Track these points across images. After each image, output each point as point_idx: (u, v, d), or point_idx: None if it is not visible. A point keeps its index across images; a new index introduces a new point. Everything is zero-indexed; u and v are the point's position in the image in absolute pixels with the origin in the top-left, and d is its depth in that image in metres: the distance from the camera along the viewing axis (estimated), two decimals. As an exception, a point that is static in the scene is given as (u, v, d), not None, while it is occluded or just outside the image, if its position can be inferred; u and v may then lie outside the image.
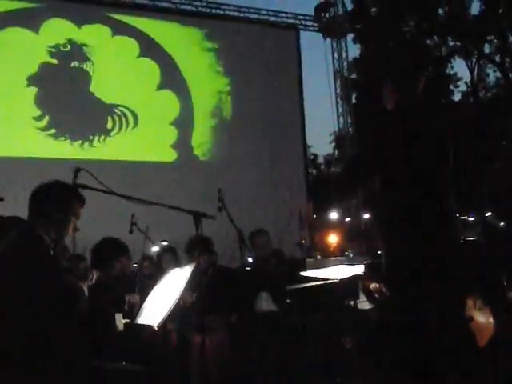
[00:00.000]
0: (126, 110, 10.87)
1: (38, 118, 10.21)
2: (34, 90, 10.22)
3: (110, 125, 10.73)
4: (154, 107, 11.08)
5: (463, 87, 21.39)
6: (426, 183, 2.71)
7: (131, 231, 5.26)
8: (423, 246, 2.63)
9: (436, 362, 2.57)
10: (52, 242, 2.68)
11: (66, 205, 2.77)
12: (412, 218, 2.66)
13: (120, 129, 10.80)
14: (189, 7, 12.00)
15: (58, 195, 2.77)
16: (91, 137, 10.57)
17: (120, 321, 3.67)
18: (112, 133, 10.74)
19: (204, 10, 12.13)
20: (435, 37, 20.55)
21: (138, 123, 10.90)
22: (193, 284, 3.43)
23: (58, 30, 10.57)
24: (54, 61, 10.49)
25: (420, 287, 2.60)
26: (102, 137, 10.66)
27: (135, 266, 5.64)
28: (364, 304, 4.81)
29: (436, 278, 2.60)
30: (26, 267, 2.46)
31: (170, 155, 11.11)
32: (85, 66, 10.71)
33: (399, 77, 2.88)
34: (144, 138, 10.86)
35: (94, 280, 2.97)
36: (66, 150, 10.23)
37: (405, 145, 2.70)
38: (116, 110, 10.82)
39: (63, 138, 10.36)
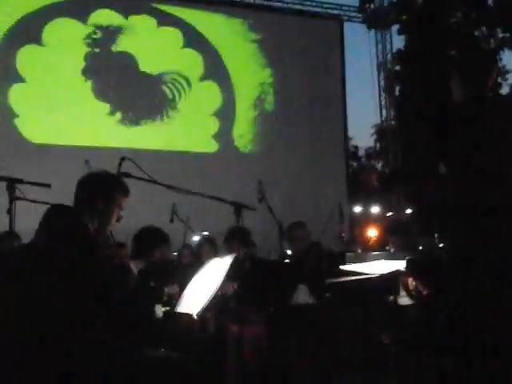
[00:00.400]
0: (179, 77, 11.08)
1: (94, 106, 10.44)
2: (85, 78, 10.44)
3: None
4: (197, 98, 11.16)
5: (512, 80, 20.78)
6: (493, 178, 2.69)
7: (172, 220, 5.33)
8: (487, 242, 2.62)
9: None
10: (95, 232, 2.72)
11: (110, 196, 2.78)
12: (478, 212, 2.64)
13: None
14: (232, -2, 12.01)
15: (103, 186, 2.79)
16: (143, 121, 10.77)
17: (159, 309, 3.73)
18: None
19: (247, 0, 12.10)
20: (484, 28, 20.01)
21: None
22: (233, 274, 3.44)
23: (105, 21, 10.75)
24: (101, 50, 10.67)
25: (481, 285, 2.59)
26: (152, 120, 10.84)
27: (175, 254, 5.71)
28: (404, 299, 4.76)
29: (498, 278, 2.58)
30: (71, 255, 2.51)
31: (211, 146, 11.18)
32: (130, 56, 10.86)
33: (473, 71, 2.86)
34: (186, 129, 10.97)
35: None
36: (108, 138, 10.42)
37: (473, 138, 2.69)
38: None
39: (115, 123, 10.56)
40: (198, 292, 3.26)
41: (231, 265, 3.23)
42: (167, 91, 11.01)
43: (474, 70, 2.88)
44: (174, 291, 3.96)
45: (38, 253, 2.62)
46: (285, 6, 12.41)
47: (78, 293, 2.46)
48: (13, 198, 3.43)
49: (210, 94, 11.31)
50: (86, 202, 2.73)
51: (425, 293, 4.61)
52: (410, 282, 4.68)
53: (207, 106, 11.27)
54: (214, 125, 11.27)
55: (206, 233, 6.11)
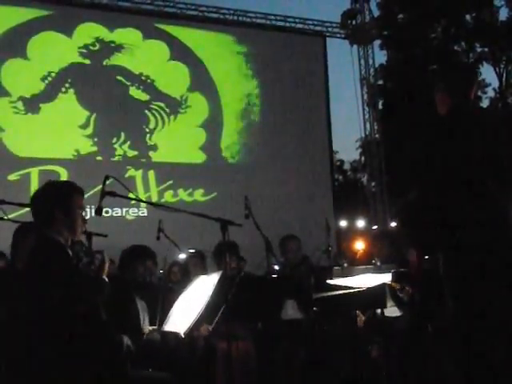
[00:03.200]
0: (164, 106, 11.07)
1: (79, 119, 10.37)
2: (70, 91, 10.39)
3: (152, 124, 10.91)
4: (184, 109, 11.18)
5: (491, 93, 21.16)
6: (482, 187, 2.73)
7: (158, 238, 5.29)
8: (483, 250, 2.65)
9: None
10: (67, 242, 2.71)
11: (68, 202, 2.76)
12: (468, 222, 2.68)
13: (163, 126, 10.97)
14: (216, 15, 12.09)
15: (57, 195, 2.77)
16: (129, 132, 10.74)
17: (147, 327, 3.70)
18: (155, 131, 10.92)
19: (231, 17, 12.19)
20: (462, 43, 20.35)
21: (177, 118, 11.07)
22: (223, 291, 3.40)
23: (91, 34, 10.75)
24: (86, 64, 10.65)
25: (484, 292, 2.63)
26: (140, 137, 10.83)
27: (161, 272, 5.66)
28: (392, 311, 4.77)
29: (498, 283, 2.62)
30: (47, 275, 2.49)
31: (198, 157, 11.18)
32: (116, 70, 10.86)
33: (455, 82, 2.92)
34: (174, 140, 10.97)
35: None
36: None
37: (461, 149, 2.73)
38: (153, 106, 10.99)
39: (94, 139, 10.51)
40: (186, 310, 3.24)
41: (218, 281, 3.22)
42: (151, 117, 11.00)
43: (458, 83, 2.94)
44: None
45: (16, 275, 2.62)
46: (268, 22, 12.52)
47: (63, 309, 2.44)
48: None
49: (196, 106, 11.33)
50: (48, 216, 2.71)
51: (411, 292, 4.62)
52: (395, 284, 4.69)
53: (194, 118, 11.29)
54: (200, 136, 11.29)
55: (192, 250, 6.08)
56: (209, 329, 3.95)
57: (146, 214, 9.95)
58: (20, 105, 10.01)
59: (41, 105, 10.12)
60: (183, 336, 3.07)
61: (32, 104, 10.07)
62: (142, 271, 4.15)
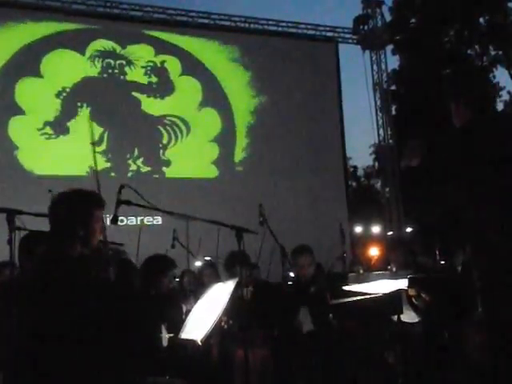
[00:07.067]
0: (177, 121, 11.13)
1: (92, 136, 10.40)
2: (84, 108, 10.46)
3: (165, 140, 10.99)
4: (197, 125, 11.21)
5: (506, 96, 20.97)
6: (503, 199, 2.71)
7: (173, 246, 5.33)
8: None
9: None
10: (77, 254, 2.62)
11: (88, 217, 2.64)
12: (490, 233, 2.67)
13: (176, 141, 11.03)
14: (227, 23, 12.14)
15: (78, 209, 2.64)
16: (142, 147, 10.79)
17: (164, 335, 3.71)
18: (169, 146, 11.00)
19: (242, 25, 12.24)
20: (476, 46, 20.22)
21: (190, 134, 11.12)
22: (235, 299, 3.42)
23: (103, 51, 10.85)
24: (99, 81, 10.75)
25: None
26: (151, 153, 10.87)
27: (177, 280, 5.68)
28: (408, 316, 4.74)
29: None
30: (53, 293, 2.45)
31: (211, 172, 11.20)
32: (130, 87, 10.94)
33: (475, 96, 2.90)
34: (187, 155, 11.00)
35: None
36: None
37: (480, 162, 2.72)
38: (166, 122, 11.06)
39: (108, 154, 10.56)
40: (202, 317, 3.24)
41: (234, 289, 3.23)
42: (164, 133, 11.05)
43: (474, 94, 2.91)
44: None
45: (22, 287, 2.61)
46: (280, 29, 12.55)
47: (71, 327, 2.42)
48: (13, 229, 3.43)
49: (209, 121, 11.35)
50: (65, 230, 2.62)
51: (428, 299, 4.59)
52: (411, 291, 4.66)
53: (207, 132, 11.32)
54: (213, 151, 11.30)
55: (207, 258, 6.10)
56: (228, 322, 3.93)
57: (160, 223, 9.99)
58: (35, 123, 10.11)
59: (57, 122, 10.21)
60: (200, 343, 3.06)
61: (58, 125, 10.17)
62: (167, 283, 4.17)
